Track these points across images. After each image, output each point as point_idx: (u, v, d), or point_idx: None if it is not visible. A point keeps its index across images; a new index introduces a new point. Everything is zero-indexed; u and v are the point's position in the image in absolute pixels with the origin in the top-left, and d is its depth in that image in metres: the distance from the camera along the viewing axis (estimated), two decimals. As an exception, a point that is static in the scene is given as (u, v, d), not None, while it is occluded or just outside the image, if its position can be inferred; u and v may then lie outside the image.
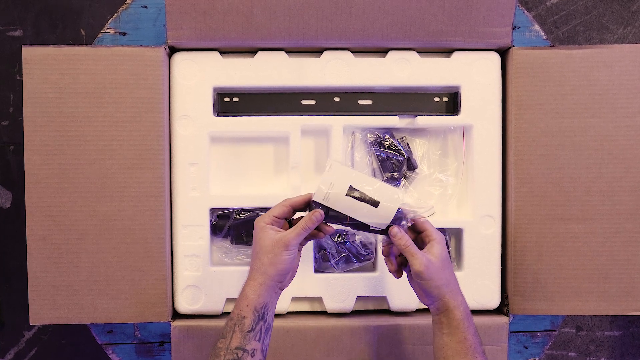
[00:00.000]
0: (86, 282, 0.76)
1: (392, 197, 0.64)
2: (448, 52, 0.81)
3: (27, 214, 0.75)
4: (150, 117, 0.76)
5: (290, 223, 0.67)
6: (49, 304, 0.76)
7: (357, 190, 0.64)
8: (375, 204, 0.64)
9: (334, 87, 0.81)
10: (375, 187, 0.64)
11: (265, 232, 0.63)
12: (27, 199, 0.75)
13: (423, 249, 0.64)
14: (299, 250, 0.66)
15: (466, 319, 0.63)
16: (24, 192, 0.75)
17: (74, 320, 0.76)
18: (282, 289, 0.65)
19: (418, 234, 0.67)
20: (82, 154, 0.75)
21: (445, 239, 0.83)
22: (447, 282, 0.63)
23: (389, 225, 0.64)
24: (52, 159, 0.75)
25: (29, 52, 0.75)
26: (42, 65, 0.74)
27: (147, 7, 0.85)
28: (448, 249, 0.83)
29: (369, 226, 0.65)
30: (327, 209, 0.64)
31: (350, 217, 0.64)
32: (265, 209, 0.81)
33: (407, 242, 0.63)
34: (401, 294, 0.81)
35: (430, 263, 0.62)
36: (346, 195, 0.63)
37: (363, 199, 0.64)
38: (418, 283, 0.64)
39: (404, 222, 0.65)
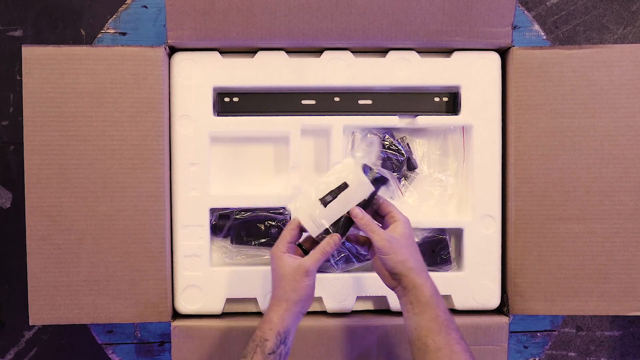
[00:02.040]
0: (86, 282, 0.76)
1: (349, 167, 0.67)
2: (448, 52, 0.81)
3: (27, 214, 0.75)
4: (150, 117, 0.76)
5: (301, 247, 0.69)
6: (48, 304, 0.76)
7: (325, 195, 0.66)
8: (345, 186, 0.66)
9: (334, 87, 0.81)
10: (333, 177, 0.67)
11: (284, 260, 0.65)
12: (27, 199, 0.75)
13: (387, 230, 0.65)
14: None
15: (435, 295, 0.62)
16: (24, 192, 0.75)
17: (74, 320, 0.76)
18: (303, 314, 0.66)
19: (383, 218, 0.68)
20: (82, 154, 0.75)
21: (445, 238, 0.83)
22: (411, 258, 0.63)
23: (375, 190, 0.66)
24: (52, 159, 0.75)
25: (28, 52, 0.74)
26: (42, 65, 0.74)
27: (147, 7, 0.85)
28: (448, 249, 0.83)
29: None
30: (328, 231, 0.66)
31: (347, 214, 0.66)
32: (265, 209, 0.82)
33: (368, 220, 0.65)
34: (401, 294, 0.81)
35: (392, 238, 0.63)
36: (325, 207, 0.66)
37: (336, 194, 0.66)
38: (382, 261, 0.64)
39: (389, 183, 0.67)
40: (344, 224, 0.66)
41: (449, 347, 0.59)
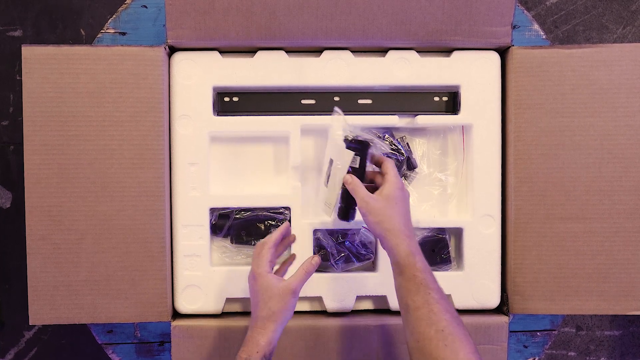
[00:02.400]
0: (86, 282, 0.76)
1: (331, 143, 0.71)
2: (448, 51, 0.81)
3: (27, 214, 0.75)
4: (150, 117, 0.76)
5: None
6: (48, 304, 0.76)
7: (325, 177, 0.73)
8: (331, 162, 0.71)
9: (333, 86, 0.81)
10: (326, 159, 0.72)
11: (269, 280, 0.66)
12: (27, 199, 0.75)
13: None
14: None
15: (411, 255, 0.62)
16: (24, 192, 0.75)
17: (74, 320, 0.76)
18: (281, 333, 0.67)
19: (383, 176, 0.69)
20: (82, 154, 0.75)
21: (445, 238, 0.83)
22: (388, 220, 0.63)
23: (359, 154, 0.69)
24: (52, 158, 0.75)
25: (28, 52, 0.74)
26: (42, 65, 0.74)
27: (147, 7, 0.85)
28: (448, 248, 0.83)
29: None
30: (340, 208, 0.71)
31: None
32: (265, 209, 0.82)
33: (354, 184, 0.67)
34: (401, 293, 0.81)
35: (372, 200, 0.64)
36: (327, 187, 0.72)
37: (329, 172, 0.72)
38: (365, 224, 0.66)
39: (371, 143, 0.69)
40: (344, 195, 0.69)
41: (428, 306, 0.58)
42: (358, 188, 0.66)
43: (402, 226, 0.64)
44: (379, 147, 0.70)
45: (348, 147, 0.69)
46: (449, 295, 0.81)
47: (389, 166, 0.68)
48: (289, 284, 0.65)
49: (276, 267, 0.74)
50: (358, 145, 0.69)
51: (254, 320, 0.66)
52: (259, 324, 0.65)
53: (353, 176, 0.68)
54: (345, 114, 0.81)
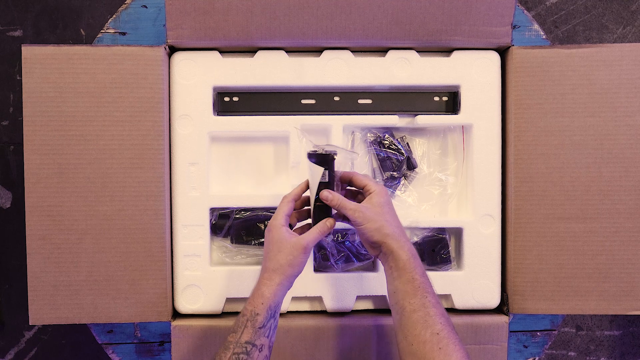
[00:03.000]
0: (86, 282, 0.76)
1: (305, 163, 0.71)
2: (448, 51, 0.81)
3: (27, 214, 0.75)
4: (150, 117, 0.76)
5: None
6: (48, 304, 0.76)
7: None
8: (307, 180, 0.70)
9: (333, 86, 0.81)
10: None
11: (283, 233, 0.66)
12: (27, 199, 0.75)
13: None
14: None
15: (412, 259, 0.63)
16: (24, 192, 0.75)
17: (74, 320, 0.76)
18: (290, 288, 0.67)
19: (359, 192, 0.70)
20: (81, 154, 0.75)
21: (445, 238, 0.83)
22: (387, 225, 0.64)
23: (327, 168, 0.68)
24: (52, 158, 0.75)
25: (28, 52, 0.74)
26: (42, 65, 0.74)
27: (146, 7, 0.85)
28: (448, 248, 0.83)
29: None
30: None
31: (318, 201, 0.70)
32: (265, 209, 0.82)
33: (338, 199, 0.67)
34: (401, 293, 0.81)
35: (365, 209, 0.65)
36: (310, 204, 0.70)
37: (305, 189, 0.71)
38: (360, 233, 0.66)
39: (334, 155, 0.69)
40: (319, 210, 0.68)
41: (424, 309, 0.59)
42: (343, 201, 0.66)
43: (399, 230, 0.65)
44: (347, 156, 0.72)
45: (317, 162, 0.68)
46: (449, 295, 0.81)
47: (361, 178, 0.69)
48: (301, 238, 0.65)
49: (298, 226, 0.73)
50: (321, 159, 0.68)
51: (262, 272, 0.66)
52: (266, 276, 0.65)
53: (331, 191, 0.68)
54: (345, 114, 0.82)
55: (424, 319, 0.59)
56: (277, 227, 0.66)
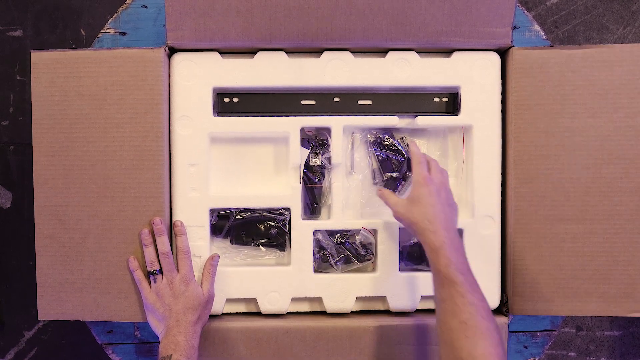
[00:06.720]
0: (89, 281, 0.76)
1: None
2: (448, 52, 0.81)
3: (35, 213, 0.77)
4: (150, 118, 0.76)
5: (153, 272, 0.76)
6: (55, 300, 0.77)
7: None
8: None
9: (333, 87, 0.81)
10: None
11: (192, 287, 0.75)
12: (35, 199, 0.76)
13: None
14: None
15: (434, 252, 0.65)
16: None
17: (78, 317, 0.77)
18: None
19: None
20: (85, 155, 0.76)
21: None
22: (421, 219, 0.68)
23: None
24: (58, 160, 0.76)
25: (37, 57, 0.76)
26: (49, 69, 0.76)
27: (147, 7, 0.85)
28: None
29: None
30: None
31: None
32: (265, 209, 0.82)
33: (384, 196, 0.75)
34: (401, 294, 0.81)
35: (397, 205, 0.72)
36: None
37: None
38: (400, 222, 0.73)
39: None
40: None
41: (452, 299, 0.62)
42: (386, 199, 0.74)
43: (425, 223, 0.68)
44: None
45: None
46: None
47: (416, 166, 0.73)
48: (206, 291, 0.76)
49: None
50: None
51: (172, 326, 0.72)
52: (182, 330, 0.72)
53: (383, 189, 0.78)
54: (345, 115, 0.82)
55: (452, 309, 0.61)
56: (190, 281, 0.76)
